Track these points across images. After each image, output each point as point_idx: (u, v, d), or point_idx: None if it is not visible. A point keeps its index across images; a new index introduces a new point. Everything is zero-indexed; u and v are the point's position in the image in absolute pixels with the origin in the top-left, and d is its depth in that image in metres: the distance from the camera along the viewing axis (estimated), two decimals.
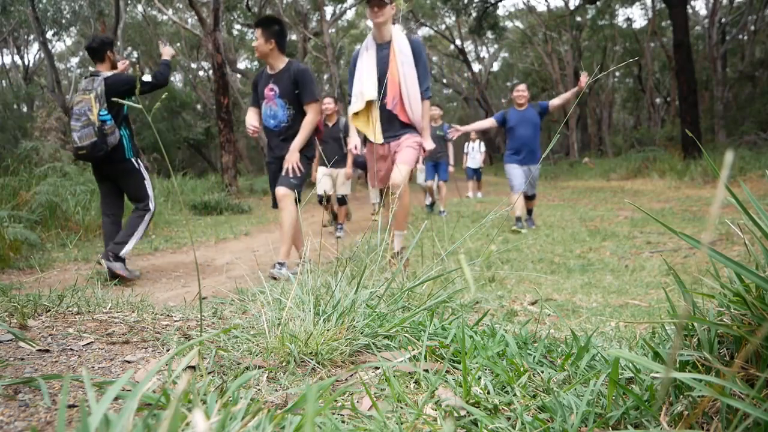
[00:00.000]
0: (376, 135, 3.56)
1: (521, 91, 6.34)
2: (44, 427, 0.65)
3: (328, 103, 6.50)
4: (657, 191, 10.14)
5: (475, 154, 12.07)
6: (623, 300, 2.72)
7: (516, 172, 6.36)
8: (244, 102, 18.96)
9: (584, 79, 5.66)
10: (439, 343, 0.97)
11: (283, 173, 3.63)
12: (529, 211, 6.60)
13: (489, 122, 6.64)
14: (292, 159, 3.60)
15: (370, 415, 0.68)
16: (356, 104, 3.59)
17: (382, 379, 0.83)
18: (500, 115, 6.54)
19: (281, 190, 3.59)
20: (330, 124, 6.58)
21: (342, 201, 6.51)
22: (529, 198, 6.54)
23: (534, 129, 6.26)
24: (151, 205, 3.81)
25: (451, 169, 8.37)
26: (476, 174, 12.31)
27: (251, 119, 3.89)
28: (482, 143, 12.26)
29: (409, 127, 3.59)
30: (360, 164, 6.96)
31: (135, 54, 27.55)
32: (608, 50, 27.34)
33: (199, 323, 1.19)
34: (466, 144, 12.16)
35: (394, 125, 3.59)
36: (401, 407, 0.72)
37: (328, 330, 0.96)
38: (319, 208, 8.65)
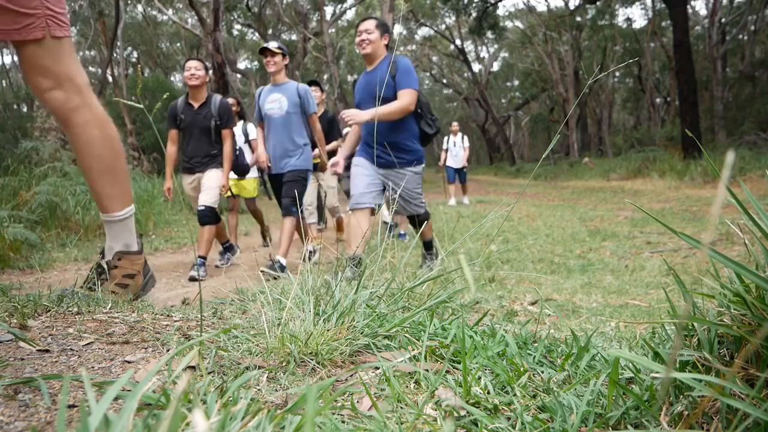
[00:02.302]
0: None
1: (363, 32, 3.29)
2: (44, 427, 0.65)
3: (196, 69, 3.97)
4: (657, 191, 10.15)
5: (457, 151, 9.66)
6: (623, 300, 2.72)
7: (359, 173, 3.37)
8: (243, 101, 18.99)
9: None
10: (439, 343, 0.97)
11: None
12: (426, 245, 3.67)
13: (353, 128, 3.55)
14: None
15: (370, 415, 0.68)
16: None
17: (382, 379, 0.83)
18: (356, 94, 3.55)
19: None
20: (195, 105, 4.04)
21: (206, 215, 3.97)
22: (411, 220, 3.58)
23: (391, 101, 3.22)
24: None
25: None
26: (459, 175, 9.83)
27: None
28: (465, 137, 9.86)
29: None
30: (242, 169, 4.88)
31: (135, 54, 27.56)
32: (608, 50, 27.34)
33: (199, 323, 1.19)
34: (446, 139, 9.82)
35: None
36: (401, 407, 0.72)
37: (328, 330, 0.96)
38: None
